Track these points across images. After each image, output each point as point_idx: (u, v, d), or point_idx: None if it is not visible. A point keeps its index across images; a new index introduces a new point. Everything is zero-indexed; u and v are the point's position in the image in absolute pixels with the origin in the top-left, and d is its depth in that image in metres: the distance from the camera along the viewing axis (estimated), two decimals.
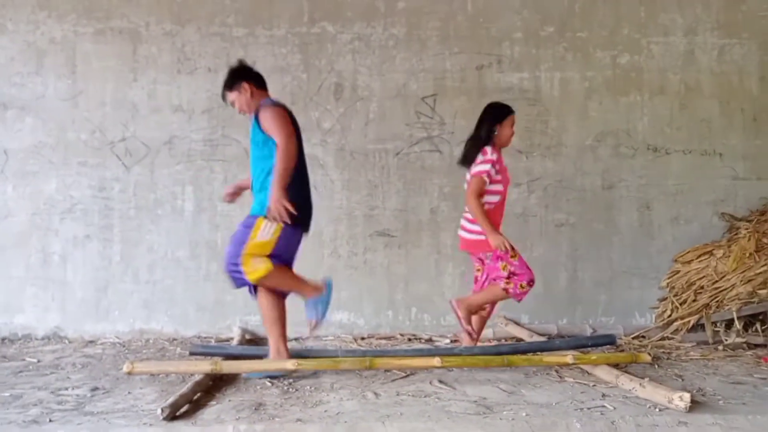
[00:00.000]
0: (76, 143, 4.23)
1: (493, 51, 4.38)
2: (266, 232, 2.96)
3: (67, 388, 2.90)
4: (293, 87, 4.29)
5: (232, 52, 4.28)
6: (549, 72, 4.40)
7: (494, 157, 3.29)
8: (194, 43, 4.28)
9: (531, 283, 3.26)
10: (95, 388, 2.89)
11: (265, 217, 2.96)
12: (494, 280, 3.31)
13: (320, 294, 3.09)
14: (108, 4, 4.25)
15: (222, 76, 4.18)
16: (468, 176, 3.36)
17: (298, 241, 3.13)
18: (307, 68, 4.31)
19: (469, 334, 3.36)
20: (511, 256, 3.23)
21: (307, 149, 4.17)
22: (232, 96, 3.16)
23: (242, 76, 3.16)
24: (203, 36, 4.29)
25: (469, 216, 3.35)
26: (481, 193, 3.25)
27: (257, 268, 2.94)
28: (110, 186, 4.24)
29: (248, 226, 3.01)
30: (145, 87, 4.27)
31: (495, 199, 3.33)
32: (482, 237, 3.27)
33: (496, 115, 3.37)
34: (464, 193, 3.38)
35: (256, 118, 3.04)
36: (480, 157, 3.28)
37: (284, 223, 2.95)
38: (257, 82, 3.17)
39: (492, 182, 3.28)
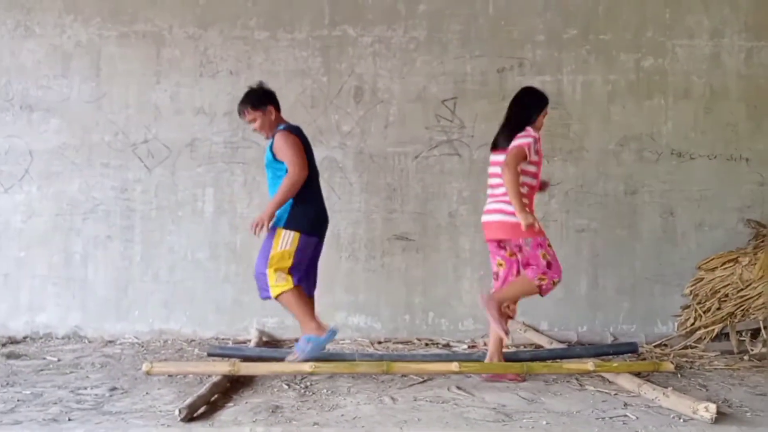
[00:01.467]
0: (99, 145, 4.29)
1: (515, 54, 4.34)
2: (286, 242, 3.11)
3: (86, 388, 2.93)
4: (313, 90, 4.30)
5: (254, 55, 4.31)
6: (571, 75, 4.35)
7: (537, 135, 3.14)
8: (216, 46, 4.32)
9: (560, 279, 3.12)
10: (114, 388, 2.92)
11: (285, 227, 3.12)
12: (527, 266, 3.08)
13: (319, 335, 3.08)
14: (132, 8, 4.31)
15: (244, 79, 4.28)
16: (494, 159, 3.17)
17: (315, 249, 3.24)
18: (327, 71, 4.32)
19: (505, 332, 3.10)
20: (548, 244, 3.10)
21: (327, 152, 4.26)
22: (255, 115, 3.23)
23: (269, 98, 3.28)
24: (225, 39, 4.32)
25: (506, 198, 3.06)
26: (518, 168, 3.03)
27: (280, 284, 3.07)
28: (132, 187, 4.28)
29: (271, 237, 3.14)
30: (167, 90, 4.31)
31: (529, 180, 3.12)
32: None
33: (540, 104, 3.23)
34: (486, 194, 3.24)
35: (273, 142, 3.19)
36: (523, 133, 3.10)
37: (301, 232, 3.13)
38: (278, 106, 3.31)
39: (530, 162, 3.09)
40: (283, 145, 3.13)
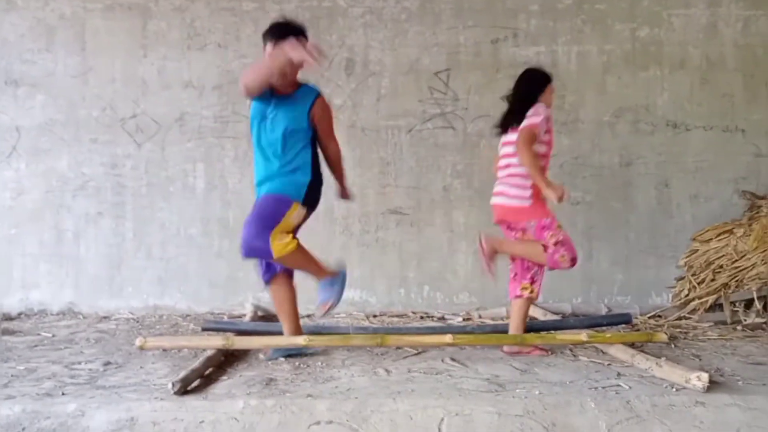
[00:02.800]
0: (87, 120, 4.22)
1: (509, 24, 4.27)
2: (298, 216, 2.93)
3: (80, 363, 2.92)
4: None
5: (242, 27, 4.22)
6: (566, 46, 4.28)
7: (548, 113, 3.03)
8: (204, 18, 4.23)
9: (573, 261, 3.02)
10: (108, 363, 2.91)
11: (303, 203, 2.91)
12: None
13: (335, 276, 3.00)
14: None
15: (232, 52, 4.21)
16: (505, 139, 3.11)
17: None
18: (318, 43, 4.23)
19: (491, 272, 3.12)
20: (558, 226, 3.02)
21: None
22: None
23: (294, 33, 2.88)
24: (213, 11, 4.23)
25: (511, 180, 3.05)
26: (532, 148, 2.94)
27: (285, 242, 2.84)
28: (122, 163, 4.23)
29: (284, 203, 2.88)
30: (155, 63, 4.23)
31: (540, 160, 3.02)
32: (526, 203, 3.03)
33: (542, 81, 3.11)
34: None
35: (307, 101, 2.92)
36: (532, 111, 3.00)
37: (310, 209, 2.99)
38: None
39: (540, 141, 3.00)
40: (328, 115, 2.99)
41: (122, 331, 3.68)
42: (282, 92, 2.89)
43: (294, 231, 2.95)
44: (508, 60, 4.25)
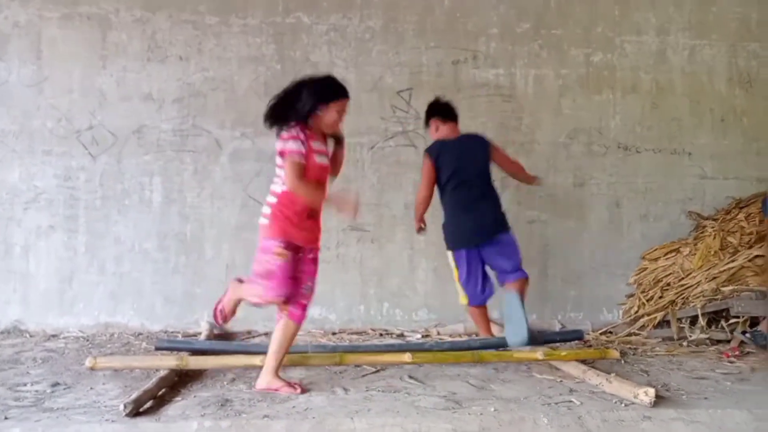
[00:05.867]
0: (41, 131, 4.11)
1: (470, 46, 4.37)
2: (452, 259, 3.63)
3: (26, 384, 2.81)
4: (267, 77, 4.22)
5: (204, 40, 4.20)
6: (524, 69, 4.41)
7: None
8: (165, 30, 4.19)
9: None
10: (56, 384, 2.81)
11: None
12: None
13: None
14: None
15: (194, 64, 4.18)
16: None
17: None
18: (281, 59, 4.25)
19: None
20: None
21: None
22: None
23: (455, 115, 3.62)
24: (174, 23, 4.19)
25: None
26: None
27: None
28: (76, 175, 4.12)
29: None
30: (113, 74, 4.16)
31: None
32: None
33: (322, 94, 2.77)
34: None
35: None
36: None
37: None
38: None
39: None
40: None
41: (71, 350, 3.56)
42: None
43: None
44: (469, 81, 4.35)
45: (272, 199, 2.78)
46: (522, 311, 3.15)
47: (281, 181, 2.76)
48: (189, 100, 4.18)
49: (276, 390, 2.70)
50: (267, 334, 4.00)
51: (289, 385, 2.73)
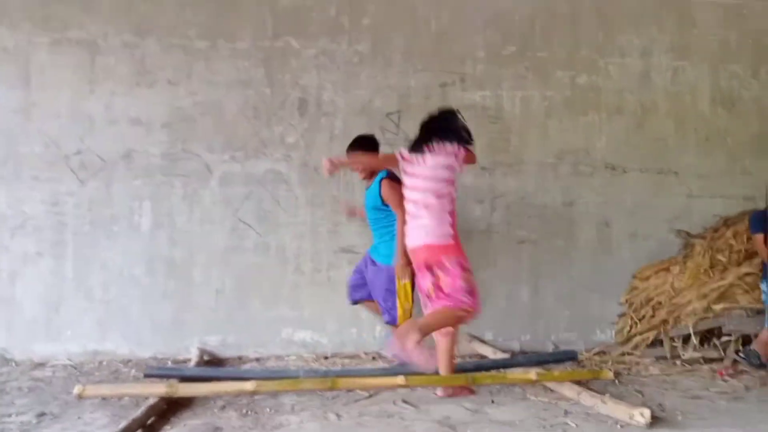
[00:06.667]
0: (28, 156, 4.07)
1: (457, 69, 4.42)
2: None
3: (10, 415, 2.75)
4: (256, 101, 4.23)
5: (194, 64, 4.21)
6: (510, 91, 4.46)
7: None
8: (154, 55, 4.19)
9: None
10: (42, 414, 2.75)
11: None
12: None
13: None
14: (65, 14, 4.13)
15: (183, 89, 4.18)
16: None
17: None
18: (270, 83, 4.27)
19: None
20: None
21: (271, 164, 4.21)
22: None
23: (376, 146, 3.74)
24: (163, 48, 4.20)
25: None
26: None
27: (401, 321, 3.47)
28: (64, 201, 4.08)
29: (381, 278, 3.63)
30: (102, 99, 4.14)
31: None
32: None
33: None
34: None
35: (376, 186, 3.63)
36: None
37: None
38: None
39: None
40: (389, 192, 3.53)
41: (59, 378, 3.49)
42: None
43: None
44: (456, 103, 4.33)
45: (450, 219, 3.07)
46: None
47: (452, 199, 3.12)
48: (178, 124, 4.17)
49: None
50: (258, 360, 3.96)
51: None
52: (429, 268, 3.02)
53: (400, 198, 3.29)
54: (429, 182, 3.06)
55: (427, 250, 3.02)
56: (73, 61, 4.13)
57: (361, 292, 3.86)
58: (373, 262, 3.73)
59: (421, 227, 3.05)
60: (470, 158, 3.26)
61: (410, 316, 3.48)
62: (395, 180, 3.52)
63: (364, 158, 3.64)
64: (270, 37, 4.28)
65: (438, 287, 2.98)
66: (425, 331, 2.88)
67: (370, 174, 3.71)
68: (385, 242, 3.66)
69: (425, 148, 3.11)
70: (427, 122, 3.26)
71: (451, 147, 3.10)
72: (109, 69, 4.16)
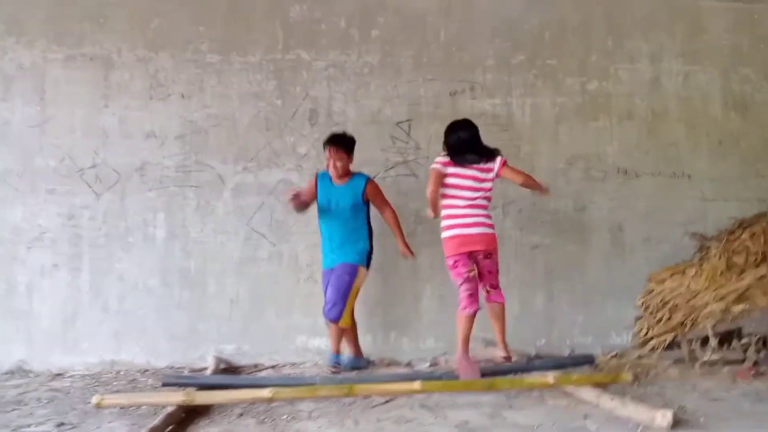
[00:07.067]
0: (44, 170, 4.14)
1: (466, 78, 4.45)
2: (362, 279, 3.80)
3: (29, 425, 2.76)
4: (268, 112, 4.28)
5: (206, 78, 4.27)
6: (520, 98, 4.48)
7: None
8: (167, 69, 4.26)
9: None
10: (61, 424, 2.76)
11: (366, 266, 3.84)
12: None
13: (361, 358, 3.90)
14: (80, 31, 4.22)
15: (196, 102, 4.24)
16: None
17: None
18: (282, 94, 4.32)
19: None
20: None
21: (283, 174, 4.25)
22: (344, 155, 3.82)
23: (354, 146, 3.89)
24: (177, 62, 4.27)
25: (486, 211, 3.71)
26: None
27: (346, 320, 3.72)
28: (80, 214, 4.13)
29: (352, 274, 3.74)
30: (116, 113, 4.21)
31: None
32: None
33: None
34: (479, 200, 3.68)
35: (359, 185, 3.86)
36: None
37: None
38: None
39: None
40: (378, 191, 3.91)
41: (77, 389, 3.51)
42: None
43: None
44: (466, 111, 4.40)
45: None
46: None
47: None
48: (191, 136, 4.23)
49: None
50: (274, 367, 3.96)
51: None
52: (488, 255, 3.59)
53: (384, 196, 3.92)
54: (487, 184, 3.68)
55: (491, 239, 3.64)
56: (88, 77, 4.21)
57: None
58: (345, 264, 3.77)
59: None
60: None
61: (352, 315, 3.78)
62: None
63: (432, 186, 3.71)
64: (281, 50, 4.34)
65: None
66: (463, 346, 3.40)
67: (345, 172, 3.85)
68: (360, 239, 3.83)
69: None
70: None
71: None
72: (123, 84, 4.23)
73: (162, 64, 4.26)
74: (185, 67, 4.27)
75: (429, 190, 3.52)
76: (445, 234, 3.58)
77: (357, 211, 3.84)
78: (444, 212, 3.59)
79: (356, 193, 3.83)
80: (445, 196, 3.59)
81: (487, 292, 3.61)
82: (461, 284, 3.46)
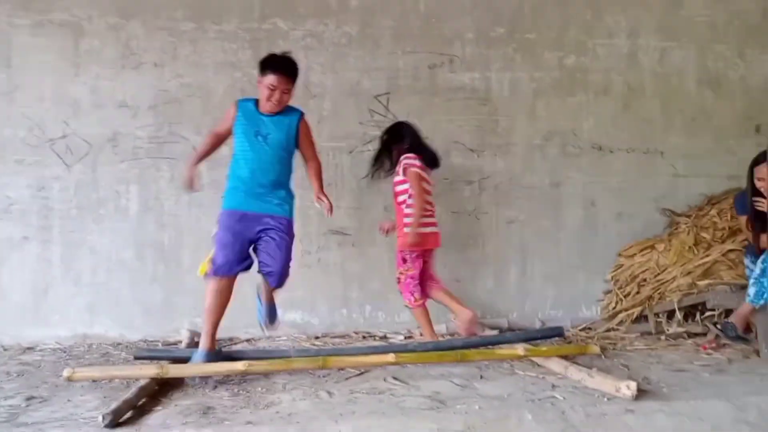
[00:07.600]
0: (12, 140, 4.03)
1: (445, 51, 4.41)
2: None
3: None
4: (243, 83, 4.20)
5: (180, 46, 4.17)
6: (499, 72, 4.46)
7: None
8: (140, 37, 4.14)
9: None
10: (31, 398, 2.74)
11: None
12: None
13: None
14: None
15: (169, 71, 4.14)
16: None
17: None
18: (258, 64, 4.22)
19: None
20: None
21: None
22: (292, 86, 3.23)
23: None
24: (149, 30, 4.15)
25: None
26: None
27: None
28: (50, 185, 4.05)
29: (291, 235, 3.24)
30: (87, 82, 4.10)
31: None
32: None
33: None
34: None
35: (294, 119, 3.27)
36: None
37: None
38: None
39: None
40: (310, 133, 3.35)
41: (48, 362, 3.48)
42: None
43: None
44: (445, 84, 4.39)
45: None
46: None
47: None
48: (164, 106, 4.14)
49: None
50: (249, 341, 3.98)
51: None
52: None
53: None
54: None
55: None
56: (57, 44, 4.08)
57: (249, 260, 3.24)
58: (273, 217, 3.15)
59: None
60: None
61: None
62: None
63: (417, 192, 3.70)
64: (257, 18, 4.24)
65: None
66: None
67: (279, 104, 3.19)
68: (285, 185, 3.25)
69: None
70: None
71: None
72: (94, 51, 4.11)
73: (134, 31, 4.14)
74: (158, 35, 4.16)
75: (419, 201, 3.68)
76: (420, 229, 3.68)
77: (287, 149, 3.24)
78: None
79: (290, 127, 3.21)
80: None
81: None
82: (413, 277, 3.71)
